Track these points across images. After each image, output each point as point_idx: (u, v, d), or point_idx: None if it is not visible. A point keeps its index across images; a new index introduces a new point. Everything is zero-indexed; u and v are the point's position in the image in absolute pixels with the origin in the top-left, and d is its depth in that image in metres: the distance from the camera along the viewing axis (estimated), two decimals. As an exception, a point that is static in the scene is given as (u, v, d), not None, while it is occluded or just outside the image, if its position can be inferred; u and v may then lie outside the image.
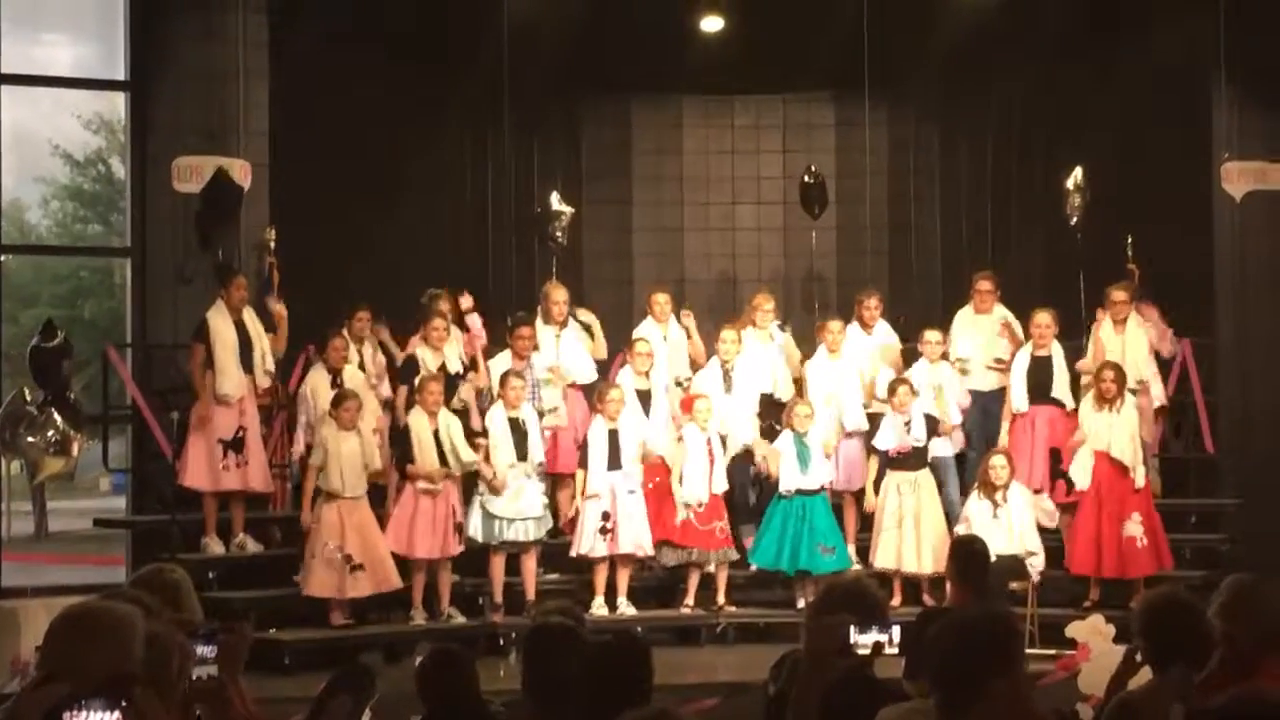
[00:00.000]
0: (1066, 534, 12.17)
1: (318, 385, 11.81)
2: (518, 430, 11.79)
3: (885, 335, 13.06)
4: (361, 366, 12.09)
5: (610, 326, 13.39)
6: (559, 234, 13.71)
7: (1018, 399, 12.45)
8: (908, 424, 12.12)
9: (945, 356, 12.67)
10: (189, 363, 11.80)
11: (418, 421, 11.54)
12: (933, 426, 12.22)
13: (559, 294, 12.76)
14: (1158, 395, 12.63)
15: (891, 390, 12.24)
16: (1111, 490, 11.91)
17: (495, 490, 11.69)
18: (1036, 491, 12.16)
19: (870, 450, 12.37)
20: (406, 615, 11.64)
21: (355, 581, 11.24)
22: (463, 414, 12.07)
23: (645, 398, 12.36)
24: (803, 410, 12.26)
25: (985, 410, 12.71)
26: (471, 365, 12.31)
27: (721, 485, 12.22)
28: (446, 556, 11.65)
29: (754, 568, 12.50)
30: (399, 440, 11.72)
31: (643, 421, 12.22)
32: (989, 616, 4.06)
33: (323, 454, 11.28)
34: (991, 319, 12.89)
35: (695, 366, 12.94)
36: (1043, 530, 11.99)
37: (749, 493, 12.66)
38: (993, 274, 13.05)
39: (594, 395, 12.32)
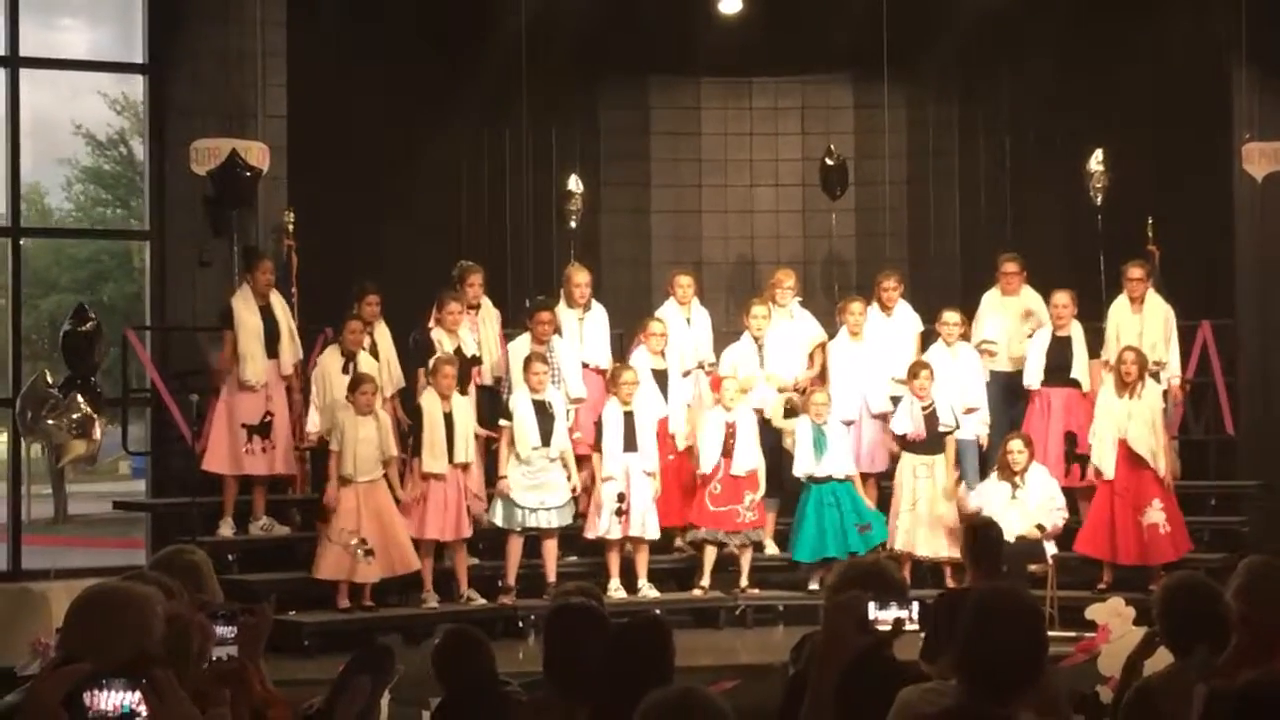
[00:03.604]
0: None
1: (330, 368, 11.81)
2: (543, 414, 11.78)
3: (905, 316, 13.03)
4: (374, 350, 12.08)
5: (627, 308, 13.38)
6: (571, 216, 13.70)
7: (1031, 374, 12.42)
8: (927, 408, 12.08)
9: (965, 338, 12.64)
10: (221, 351, 11.78)
11: (430, 403, 11.54)
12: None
13: (581, 276, 12.73)
14: (1174, 372, 12.55)
15: (913, 374, 12.20)
16: (1129, 477, 11.86)
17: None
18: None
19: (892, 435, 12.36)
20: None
21: (367, 567, 11.26)
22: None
23: (662, 378, 12.36)
24: (819, 398, 12.23)
25: (1011, 392, 12.69)
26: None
27: (746, 465, 12.17)
28: (458, 539, 11.67)
29: (769, 551, 12.51)
30: (412, 421, 11.70)
31: (659, 402, 12.22)
32: (1026, 608, 4.07)
33: (339, 438, 11.30)
34: (1019, 301, 12.87)
35: None
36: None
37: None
38: (1019, 256, 13.02)
39: (608, 377, 12.32)
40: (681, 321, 12.81)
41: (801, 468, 12.17)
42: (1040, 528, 11.60)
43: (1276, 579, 5.24)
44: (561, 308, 12.52)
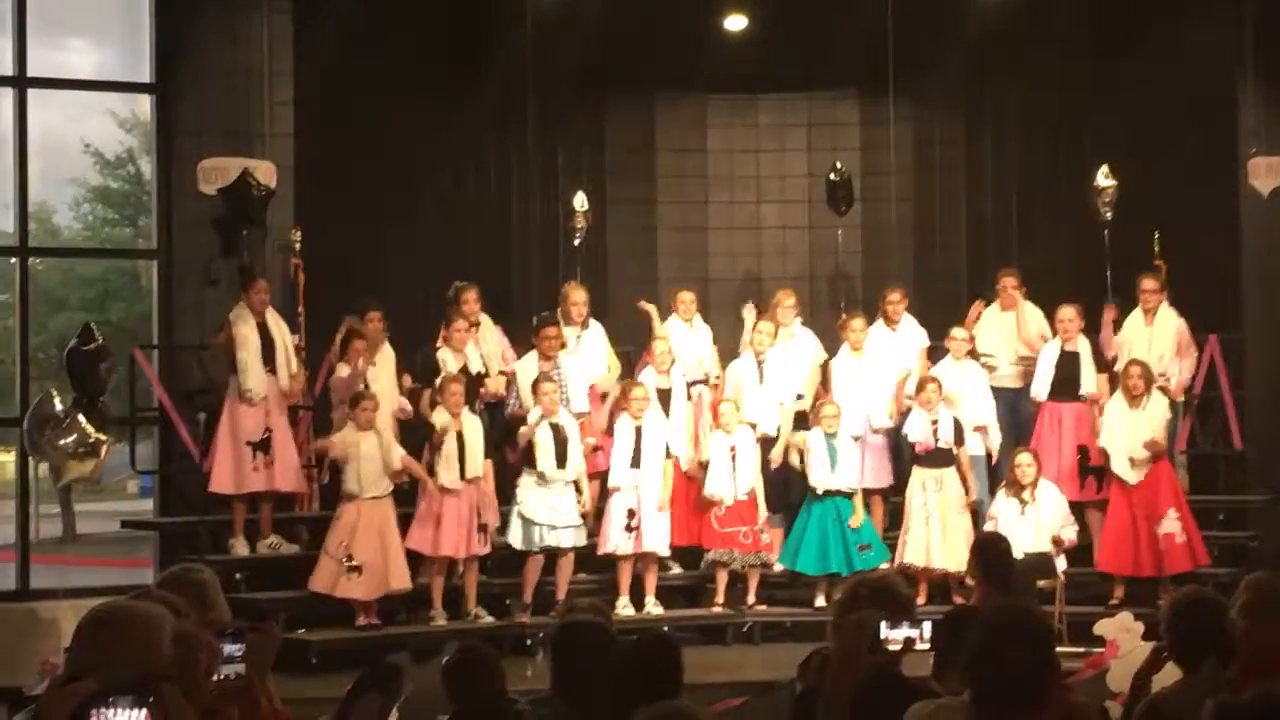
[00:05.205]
0: (1096, 531, 12.12)
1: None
2: (557, 435, 11.76)
3: (912, 331, 13.02)
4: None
5: (633, 326, 13.39)
6: (577, 233, 13.70)
7: (1039, 387, 12.42)
8: (934, 423, 12.09)
9: (972, 355, 12.65)
10: (217, 345, 11.78)
11: (442, 421, 11.53)
12: (959, 429, 12.21)
13: (579, 294, 12.74)
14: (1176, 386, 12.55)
15: (920, 387, 12.21)
16: (1145, 487, 11.86)
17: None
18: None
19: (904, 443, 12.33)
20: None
21: (349, 583, 11.23)
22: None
23: (665, 396, 12.36)
24: (830, 410, 12.25)
25: (1012, 408, 12.68)
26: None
27: (745, 488, 12.18)
28: (472, 555, 11.65)
29: (778, 568, 12.49)
30: (427, 439, 11.69)
31: (664, 420, 12.21)
32: (1037, 625, 4.05)
33: (343, 454, 11.29)
34: (1018, 316, 12.87)
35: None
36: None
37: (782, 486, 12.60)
38: (1017, 271, 13.03)
39: (619, 393, 12.31)
40: (685, 336, 12.82)
41: (818, 479, 12.16)
42: (1057, 540, 11.58)
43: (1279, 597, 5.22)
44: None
